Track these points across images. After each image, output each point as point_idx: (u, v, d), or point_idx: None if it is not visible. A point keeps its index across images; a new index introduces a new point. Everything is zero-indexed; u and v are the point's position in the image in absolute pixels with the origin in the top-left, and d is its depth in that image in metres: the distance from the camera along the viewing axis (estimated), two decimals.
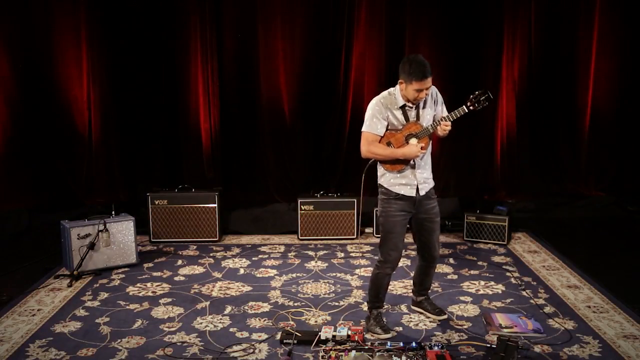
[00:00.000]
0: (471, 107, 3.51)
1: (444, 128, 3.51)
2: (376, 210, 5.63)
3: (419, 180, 3.59)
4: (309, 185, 6.20)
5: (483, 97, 3.50)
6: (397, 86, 3.53)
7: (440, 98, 3.68)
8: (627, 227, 6.12)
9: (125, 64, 6.28)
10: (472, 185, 6.66)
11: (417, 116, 3.57)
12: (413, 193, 3.58)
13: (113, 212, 5.06)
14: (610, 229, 6.07)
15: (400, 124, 3.55)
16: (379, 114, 3.53)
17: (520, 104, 6.53)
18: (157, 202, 5.62)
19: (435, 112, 3.65)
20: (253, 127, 6.49)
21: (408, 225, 3.71)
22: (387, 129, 3.55)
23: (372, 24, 6.32)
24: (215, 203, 5.63)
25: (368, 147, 3.55)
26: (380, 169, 3.64)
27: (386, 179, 3.61)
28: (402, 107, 3.53)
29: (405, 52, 6.38)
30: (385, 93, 3.59)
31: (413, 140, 3.52)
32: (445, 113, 3.65)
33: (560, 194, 6.73)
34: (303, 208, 5.71)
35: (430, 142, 3.61)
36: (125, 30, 6.23)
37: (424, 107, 3.58)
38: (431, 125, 3.52)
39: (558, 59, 6.56)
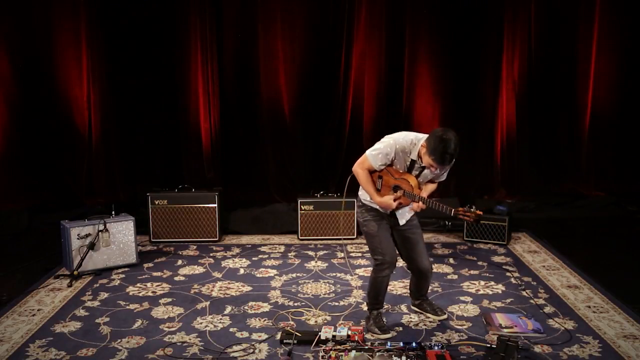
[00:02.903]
0: (459, 216, 3.36)
1: (416, 207, 3.48)
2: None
3: (396, 212, 3.64)
4: (309, 185, 6.21)
5: (474, 215, 3.32)
6: (422, 141, 3.44)
7: (448, 168, 3.57)
8: (627, 227, 6.12)
9: (125, 64, 6.29)
10: (472, 185, 6.66)
11: (420, 173, 3.54)
12: (386, 212, 3.63)
13: (113, 212, 5.06)
14: (610, 229, 6.07)
15: (401, 168, 3.55)
16: (387, 156, 3.50)
17: (520, 104, 6.53)
18: (157, 202, 5.62)
19: (438, 172, 3.56)
20: (253, 127, 6.50)
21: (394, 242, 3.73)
22: (386, 166, 3.56)
23: (372, 24, 6.33)
24: (215, 203, 5.63)
25: (360, 169, 3.59)
26: None
27: (364, 194, 3.68)
28: (413, 160, 3.52)
29: (405, 52, 6.40)
30: (409, 138, 3.50)
31: (398, 193, 3.50)
32: (444, 177, 3.66)
33: (560, 194, 6.74)
34: (303, 208, 5.71)
35: (411, 205, 3.56)
36: (125, 31, 6.23)
37: (430, 173, 3.55)
38: (416, 196, 3.47)
39: (558, 59, 6.57)
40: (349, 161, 6.31)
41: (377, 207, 3.63)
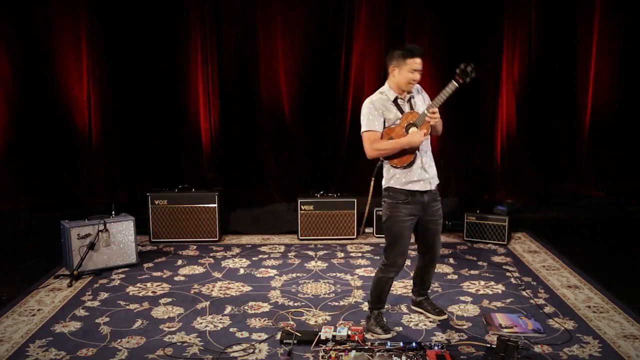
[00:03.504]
0: (460, 81, 3.46)
1: (432, 116, 3.46)
2: (376, 211, 5.65)
3: (429, 174, 3.60)
4: (309, 185, 6.20)
5: (470, 68, 3.46)
6: (386, 83, 3.57)
7: (428, 97, 3.69)
8: (627, 227, 6.12)
9: (125, 64, 6.28)
10: (472, 185, 6.66)
11: (411, 107, 3.58)
12: (427, 187, 3.57)
13: (113, 212, 5.06)
14: (610, 229, 6.07)
15: (396, 117, 3.54)
16: (374, 111, 3.53)
17: (520, 104, 6.53)
18: (157, 202, 5.62)
19: (427, 97, 3.69)
20: (253, 128, 6.49)
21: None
22: (384, 126, 3.54)
23: (372, 24, 6.32)
24: (215, 203, 5.63)
25: (371, 146, 3.52)
26: (389, 171, 3.60)
27: (397, 180, 3.56)
28: (395, 101, 3.54)
29: None
30: (375, 93, 3.62)
31: (413, 129, 3.51)
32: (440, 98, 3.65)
33: (560, 194, 6.73)
34: (303, 208, 5.71)
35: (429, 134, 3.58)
36: (125, 30, 6.23)
37: (413, 98, 3.60)
38: (423, 112, 3.50)
39: (558, 59, 6.57)
40: (349, 161, 6.41)
41: (412, 187, 3.52)
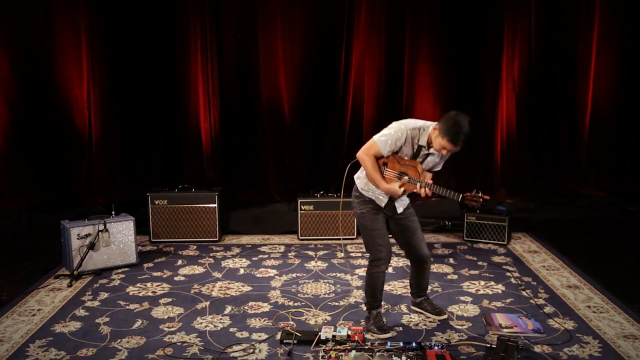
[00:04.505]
0: (465, 202, 3.40)
1: (422, 192, 3.46)
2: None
3: (398, 203, 3.65)
4: (309, 185, 6.21)
5: (481, 200, 3.38)
6: (431, 127, 3.47)
7: (444, 154, 3.58)
8: (627, 227, 6.12)
9: (125, 64, 6.29)
10: (472, 185, 6.64)
11: (424, 160, 3.55)
12: (382, 204, 3.61)
13: (113, 212, 5.06)
14: (610, 229, 6.07)
15: (406, 156, 3.54)
16: (397, 141, 3.48)
17: (520, 103, 6.54)
18: (157, 202, 5.62)
19: (438, 161, 3.62)
20: (253, 127, 6.50)
21: (389, 232, 3.74)
22: (393, 153, 3.54)
23: (372, 24, 6.33)
24: (215, 203, 5.63)
25: (366, 155, 3.53)
26: (363, 181, 3.64)
27: (363, 182, 3.63)
28: (420, 146, 3.52)
29: (405, 52, 6.40)
30: (418, 125, 3.51)
31: (404, 179, 3.50)
32: (440, 167, 3.67)
33: (560, 194, 6.73)
34: (303, 208, 5.71)
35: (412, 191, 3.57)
36: (125, 31, 6.23)
37: (432, 155, 3.57)
38: (422, 182, 3.49)
39: (558, 59, 6.57)
40: (349, 161, 6.36)
41: (374, 197, 3.60)
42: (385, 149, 3.50)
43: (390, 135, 3.49)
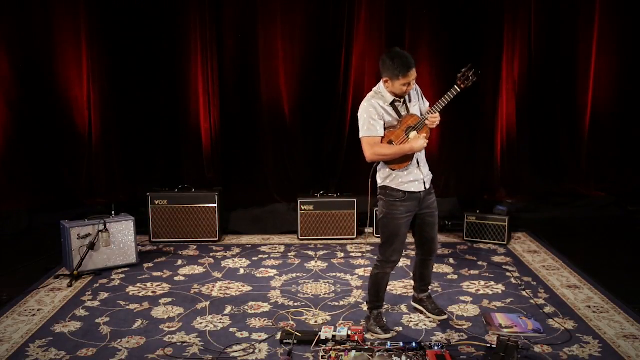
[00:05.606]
0: (462, 86, 3.48)
1: (432, 121, 3.49)
2: (376, 211, 5.65)
3: (424, 174, 3.63)
4: (309, 185, 6.20)
5: (471, 72, 3.48)
6: (381, 83, 3.52)
7: (420, 90, 3.71)
8: (627, 227, 6.12)
9: (125, 64, 6.28)
10: (472, 185, 6.66)
11: (407, 110, 3.58)
12: (422, 188, 3.60)
13: (113, 212, 5.06)
14: (610, 229, 6.07)
15: (395, 120, 3.53)
16: (374, 115, 3.49)
17: (520, 104, 6.53)
18: (157, 202, 5.62)
19: (421, 103, 3.69)
20: (253, 127, 6.49)
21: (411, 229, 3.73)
22: (386, 130, 3.54)
23: (372, 24, 6.32)
24: (215, 203, 5.63)
25: (373, 150, 3.49)
26: (385, 171, 3.59)
27: (393, 180, 3.57)
28: (392, 104, 3.53)
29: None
30: (372, 93, 3.57)
31: (413, 133, 3.51)
32: (427, 105, 3.69)
33: (560, 194, 6.73)
34: (303, 208, 5.71)
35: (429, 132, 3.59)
36: (125, 30, 6.22)
37: (410, 101, 3.59)
38: (424, 116, 3.52)
39: (558, 59, 6.56)
40: (349, 161, 6.41)
41: (402, 186, 3.54)
42: (376, 131, 3.48)
43: (366, 119, 3.49)
